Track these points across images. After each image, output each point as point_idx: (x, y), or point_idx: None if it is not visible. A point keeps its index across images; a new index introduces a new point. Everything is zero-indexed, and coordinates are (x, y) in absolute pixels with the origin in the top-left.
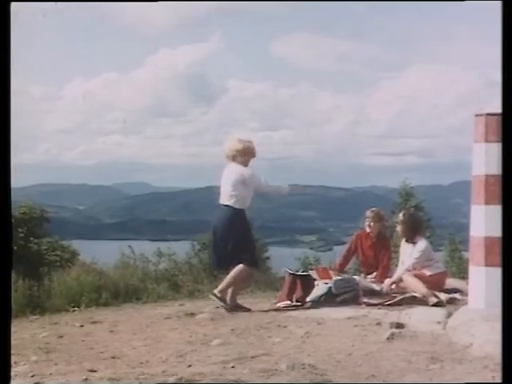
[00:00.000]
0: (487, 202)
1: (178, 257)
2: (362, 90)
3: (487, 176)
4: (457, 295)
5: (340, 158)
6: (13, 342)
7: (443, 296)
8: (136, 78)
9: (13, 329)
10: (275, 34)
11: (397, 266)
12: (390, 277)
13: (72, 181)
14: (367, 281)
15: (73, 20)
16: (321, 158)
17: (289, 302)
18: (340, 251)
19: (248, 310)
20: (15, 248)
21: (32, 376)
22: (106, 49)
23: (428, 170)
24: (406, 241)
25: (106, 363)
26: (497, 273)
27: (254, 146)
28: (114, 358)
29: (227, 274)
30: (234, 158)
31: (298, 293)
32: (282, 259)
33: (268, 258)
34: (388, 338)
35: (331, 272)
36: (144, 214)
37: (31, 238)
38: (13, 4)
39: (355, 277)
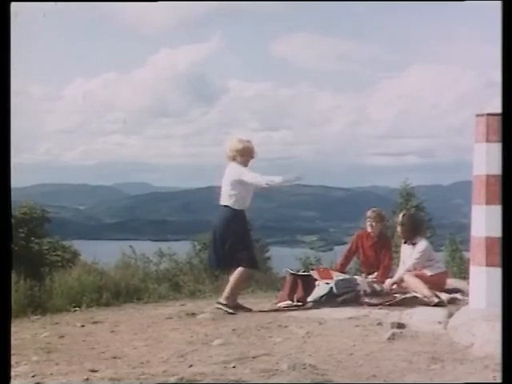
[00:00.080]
0: (488, 202)
1: (178, 257)
2: (362, 90)
3: (488, 176)
4: (458, 295)
5: (340, 158)
6: (14, 342)
7: (444, 296)
8: (136, 78)
9: (14, 329)
10: (275, 34)
11: (398, 266)
12: (391, 277)
13: (72, 181)
14: (368, 281)
15: (73, 20)
16: (321, 158)
17: (290, 302)
18: (341, 251)
19: (249, 310)
20: (16, 248)
21: (33, 376)
22: (106, 49)
23: (428, 170)
24: (405, 242)
25: (107, 363)
26: (498, 273)
27: (253, 145)
28: (115, 358)
29: (226, 274)
30: (233, 158)
31: (299, 293)
32: (283, 259)
33: (269, 258)
34: (389, 338)
35: (332, 272)
36: (145, 214)
37: (32, 238)
38: (13, 4)
39: (356, 277)
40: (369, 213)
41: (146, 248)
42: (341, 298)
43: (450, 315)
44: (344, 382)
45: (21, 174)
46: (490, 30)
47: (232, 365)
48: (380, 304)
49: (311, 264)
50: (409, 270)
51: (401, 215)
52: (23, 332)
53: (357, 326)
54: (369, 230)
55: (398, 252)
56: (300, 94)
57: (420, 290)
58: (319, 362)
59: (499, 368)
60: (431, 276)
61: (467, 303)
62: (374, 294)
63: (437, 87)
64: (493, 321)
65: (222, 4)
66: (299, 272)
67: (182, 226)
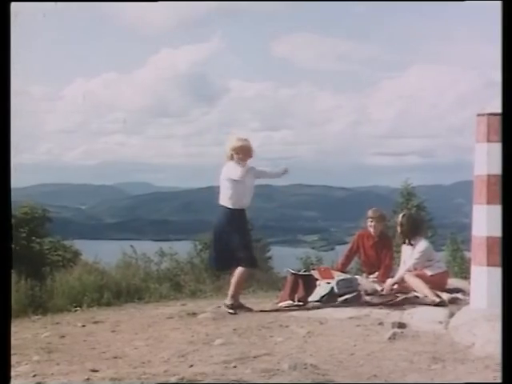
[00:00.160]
0: (489, 202)
1: (179, 257)
2: (362, 90)
3: (489, 176)
4: (459, 295)
5: (341, 157)
6: (15, 341)
7: (445, 296)
8: (137, 78)
9: (15, 329)
10: (275, 34)
11: (399, 265)
12: (392, 277)
13: (74, 181)
14: (369, 281)
15: (73, 20)
16: (322, 158)
17: (291, 302)
18: (342, 251)
19: (250, 309)
20: (17, 248)
21: (34, 376)
22: (107, 49)
23: (429, 169)
24: (404, 242)
25: (108, 363)
26: (499, 273)
27: (250, 144)
28: (115, 357)
29: (227, 274)
30: (231, 157)
31: (300, 293)
32: (284, 259)
33: (270, 257)
34: (390, 338)
35: (333, 272)
36: (146, 213)
37: (33, 238)
38: (13, 4)
39: (357, 276)
40: (369, 212)
41: (147, 248)
42: (342, 298)
43: (451, 315)
44: (345, 382)
45: (22, 174)
46: (490, 30)
47: (233, 365)
48: (381, 304)
49: (312, 264)
50: (409, 270)
51: (400, 216)
52: (24, 332)
53: (358, 325)
54: (370, 229)
55: (398, 252)
56: (300, 93)
57: (421, 289)
58: (320, 362)
59: (500, 368)
60: (432, 276)
61: (468, 303)
62: (375, 293)
63: (437, 87)
64: (494, 321)
65: (223, 4)
66: (300, 272)
67: (183, 225)
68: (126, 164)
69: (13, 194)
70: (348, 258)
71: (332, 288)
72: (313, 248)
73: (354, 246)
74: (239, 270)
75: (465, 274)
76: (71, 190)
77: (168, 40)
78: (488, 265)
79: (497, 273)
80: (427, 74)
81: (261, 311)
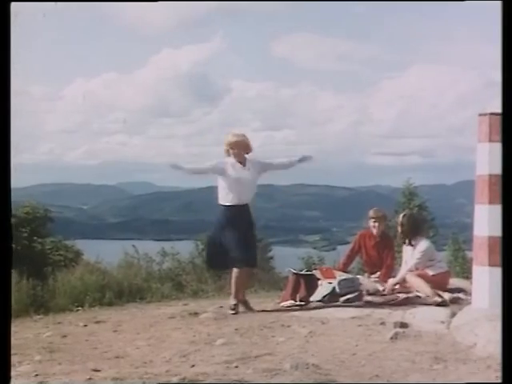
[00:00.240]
0: (491, 202)
1: (181, 256)
2: (363, 90)
3: (491, 176)
4: (460, 295)
5: (343, 157)
6: (16, 341)
7: (447, 296)
8: (139, 78)
9: (17, 328)
10: (276, 34)
11: (400, 265)
12: (394, 276)
13: (75, 180)
14: (371, 280)
15: (73, 20)
16: (323, 158)
17: (292, 302)
18: (344, 251)
19: (251, 309)
20: (19, 248)
21: (35, 375)
22: (108, 49)
23: (431, 169)
24: (404, 242)
25: (110, 363)
26: (500, 272)
27: (246, 139)
28: (117, 357)
29: (226, 273)
30: (227, 153)
31: (302, 292)
32: (286, 259)
33: (272, 257)
34: (392, 338)
35: (335, 272)
36: (147, 213)
37: (35, 238)
38: (13, 4)
39: (359, 276)
40: (371, 212)
41: (149, 247)
42: (344, 298)
43: (453, 315)
44: (347, 382)
45: (23, 174)
46: (490, 30)
47: (234, 364)
48: (383, 304)
49: (314, 263)
50: (411, 270)
51: (401, 216)
52: (26, 331)
53: (360, 325)
54: (371, 229)
55: (400, 252)
56: (301, 93)
57: (422, 289)
58: (322, 362)
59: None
60: (433, 276)
61: (470, 303)
62: (377, 293)
63: (438, 87)
64: (495, 321)
65: (223, 4)
66: (302, 271)
67: (185, 225)
68: (127, 164)
69: (14, 193)
70: (350, 258)
71: (334, 288)
72: (314, 248)
73: (355, 246)
74: (234, 271)
75: (466, 274)
76: (73, 189)
77: (169, 40)
78: (490, 265)
79: (498, 273)
80: (428, 73)
81: (262, 311)
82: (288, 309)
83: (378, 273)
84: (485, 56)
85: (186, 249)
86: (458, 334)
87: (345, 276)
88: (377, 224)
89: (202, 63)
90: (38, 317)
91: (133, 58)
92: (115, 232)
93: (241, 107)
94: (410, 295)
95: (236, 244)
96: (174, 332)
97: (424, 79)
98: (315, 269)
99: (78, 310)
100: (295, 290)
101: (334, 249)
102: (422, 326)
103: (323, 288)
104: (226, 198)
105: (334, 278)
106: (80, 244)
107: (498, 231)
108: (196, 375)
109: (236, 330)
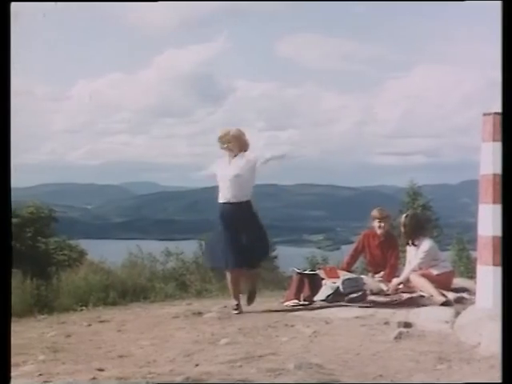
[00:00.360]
0: (495, 202)
1: (185, 256)
2: (367, 90)
3: (495, 175)
4: (464, 294)
5: (347, 157)
6: (21, 341)
7: (451, 295)
8: (143, 78)
9: (21, 328)
10: (281, 33)
11: (404, 265)
12: (398, 276)
13: (80, 180)
14: (375, 280)
15: (73, 20)
16: (328, 158)
17: (296, 301)
18: (347, 250)
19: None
20: (23, 248)
21: (39, 375)
22: (112, 49)
23: (435, 169)
24: (407, 243)
25: (114, 362)
26: None
27: (238, 133)
28: (121, 357)
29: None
30: (221, 147)
31: (306, 292)
32: (290, 258)
33: (276, 257)
34: (396, 338)
35: (339, 271)
36: (151, 213)
37: (39, 238)
38: (13, 4)
39: (363, 276)
40: (374, 212)
41: (153, 247)
42: (347, 298)
43: (457, 314)
44: (351, 382)
45: (28, 174)
46: (495, 30)
47: (238, 364)
48: (387, 303)
49: (318, 263)
50: (414, 270)
51: (403, 216)
52: (30, 331)
53: (363, 325)
54: (375, 229)
55: (404, 251)
56: (306, 93)
57: (426, 289)
58: (326, 362)
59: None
60: (437, 275)
61: (474, 302)
62: (381, 293)
63: (443, 87)
64: (499, 320)
65: (227, 4)
66: (306, 271)
67: (189, 225)
68: (131, 164)
69: (19, 193)
70: (353, 258)
71: (338, 287)
72: (319, 247)
73: (359, 246)
74: (228, 271)
75: (471, 274)
76: (77, 189)
77: (173, 40)
78: (494, 264)
79: None
80: (432, 73)
81: (266, 311)
82: (292, 308)
83: (382, 272)
84: (489, 56)
85: (190, 249)
86: (462, 333)
87: (349, 276)
88: (381, 224)
89: (206, 63)
90: (42, 316)
91: (138, 58)
92: (119, 232)
93: (245, 107)
94: (414, 295)
95: (228, 244)
96: (178, 332)
97: (429, 79)
98: (319, 268)
99: (81, 310)
100: (299, 290)
101: (337, 248)
102: (426, 325)
103: (327, 288)
104: (220, 195)
105: (338, 277)
106: (84, 244)
107: None
108: (200, 375)
109: (240, 329)
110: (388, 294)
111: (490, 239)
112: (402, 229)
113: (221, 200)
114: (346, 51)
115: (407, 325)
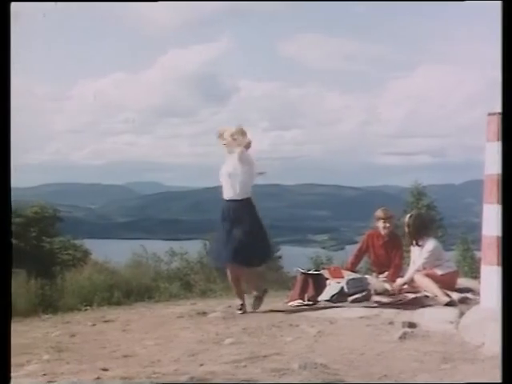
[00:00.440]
0: (499, 202)
1: (189, 256)
2: (371, 90)
3: (499, 175)
4: (469, 294)
5: (351, 157)
6: (25, 340)
7: (455, 295)
8: (146, 78)
9: (25, 328)
10: (283, 33)
11: (409, 265)
12: (402, 276)
13: (84, 180)
14: (379, 280)
15: (73, 20)
16: (332, 158)
17: (301, 301)
18: (352, 250)
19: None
20: (27, 247)
21: (44, 375)
22: (114, 49)
23: (439, 169)
24: (411, 243)
25: (118, 362)
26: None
27: (233, 129)
28: (125, 356)
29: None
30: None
31: (310, 292)
32: (294, 258)
33: (280, 257)
34: (400, 338)
35: (343, 271)
36: (156, 213)
37: (43, 237)
38: (13, 4)
39: (367, 276)
40: (379, 212)
41: (157, 247)
42: (352, 298)
43: (461, 315)
44: (355, 382)
45: (34, 174)
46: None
47: (243, 364)
48: (391, 303)
49: (322, 263)
50: (419, 270)
51: (407, 217)
52: (34, 331)
53: (368, 325)
54: (380, 229)
55: (408, 251)
56: (309, 93)
57: (431, 289)
58: (330, 362)
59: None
60: (442, 275)
61: (478, 302)
62: (385, 293)
63: (445, 87)
64: None
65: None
66: (310, 271)
67: (193, 225)
68: (135, 163)
69: (23, 193)
70: (358, 258)
71: (342, 287)
72: (323, 247)
73: (363, 246)
74: (228, 268)
75: (475, 274)
76: (81, 189)
77: (175, 40)
78: (498, 264)
79: None
80: (435, 73)
81: (271, 311)
82: (296, 308)
83: (386, 272)
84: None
85: (195, 248)
86: (467, 333)
87: (353, 276)
88: (385, 224)
89: (209, 63)
90: (47, 316)
91: (142, 57)
92: (123, 232)
93: (249, 107)
94: (418, 295)
95: (225, 239)
96: (183, 331)
97: (432, 79)
98: (323, 268)
99: (86, 310)
100: (303, 290)
101: (342, 248)
102: (431, 325)
103: (331, 288)
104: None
105: (343, 277)
106: (88, 244)
107: None
108: (204, 374)
109: (244, 329)
110: (392, 294)
111: (495, 239)
112: (406, 229)
113: (223, 197)
114: (348, 51)
115: (412, 325)
